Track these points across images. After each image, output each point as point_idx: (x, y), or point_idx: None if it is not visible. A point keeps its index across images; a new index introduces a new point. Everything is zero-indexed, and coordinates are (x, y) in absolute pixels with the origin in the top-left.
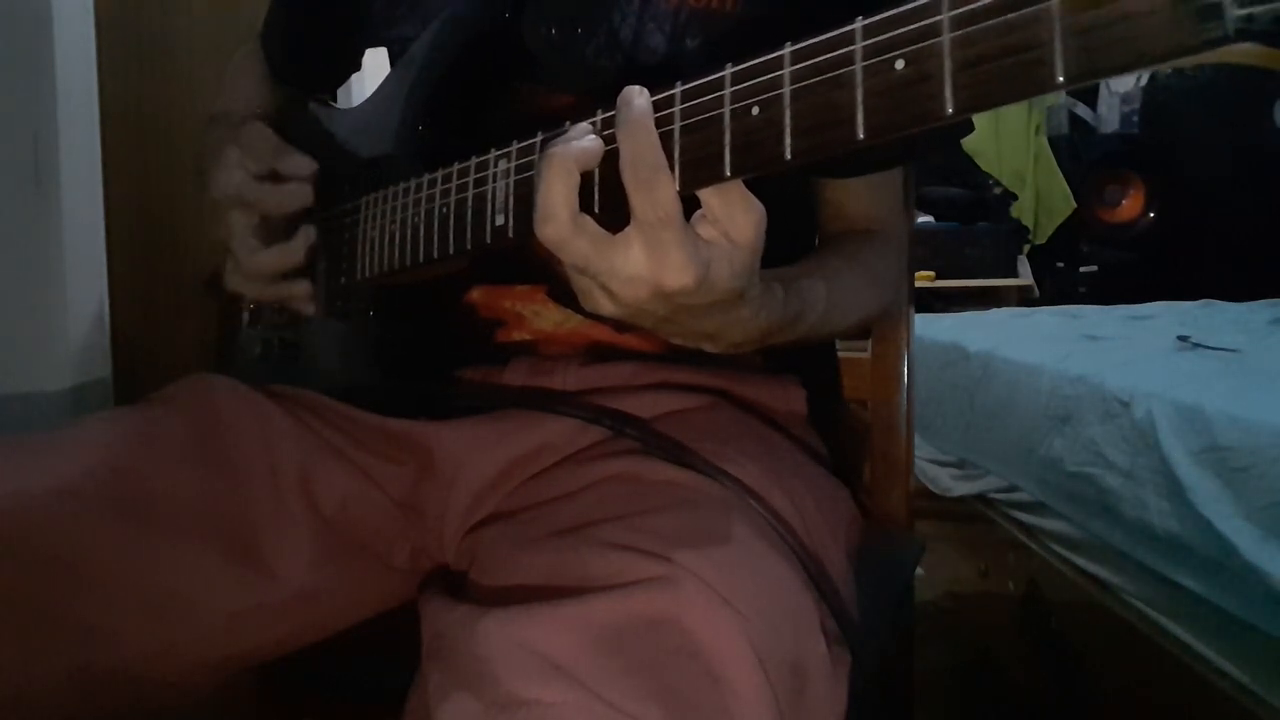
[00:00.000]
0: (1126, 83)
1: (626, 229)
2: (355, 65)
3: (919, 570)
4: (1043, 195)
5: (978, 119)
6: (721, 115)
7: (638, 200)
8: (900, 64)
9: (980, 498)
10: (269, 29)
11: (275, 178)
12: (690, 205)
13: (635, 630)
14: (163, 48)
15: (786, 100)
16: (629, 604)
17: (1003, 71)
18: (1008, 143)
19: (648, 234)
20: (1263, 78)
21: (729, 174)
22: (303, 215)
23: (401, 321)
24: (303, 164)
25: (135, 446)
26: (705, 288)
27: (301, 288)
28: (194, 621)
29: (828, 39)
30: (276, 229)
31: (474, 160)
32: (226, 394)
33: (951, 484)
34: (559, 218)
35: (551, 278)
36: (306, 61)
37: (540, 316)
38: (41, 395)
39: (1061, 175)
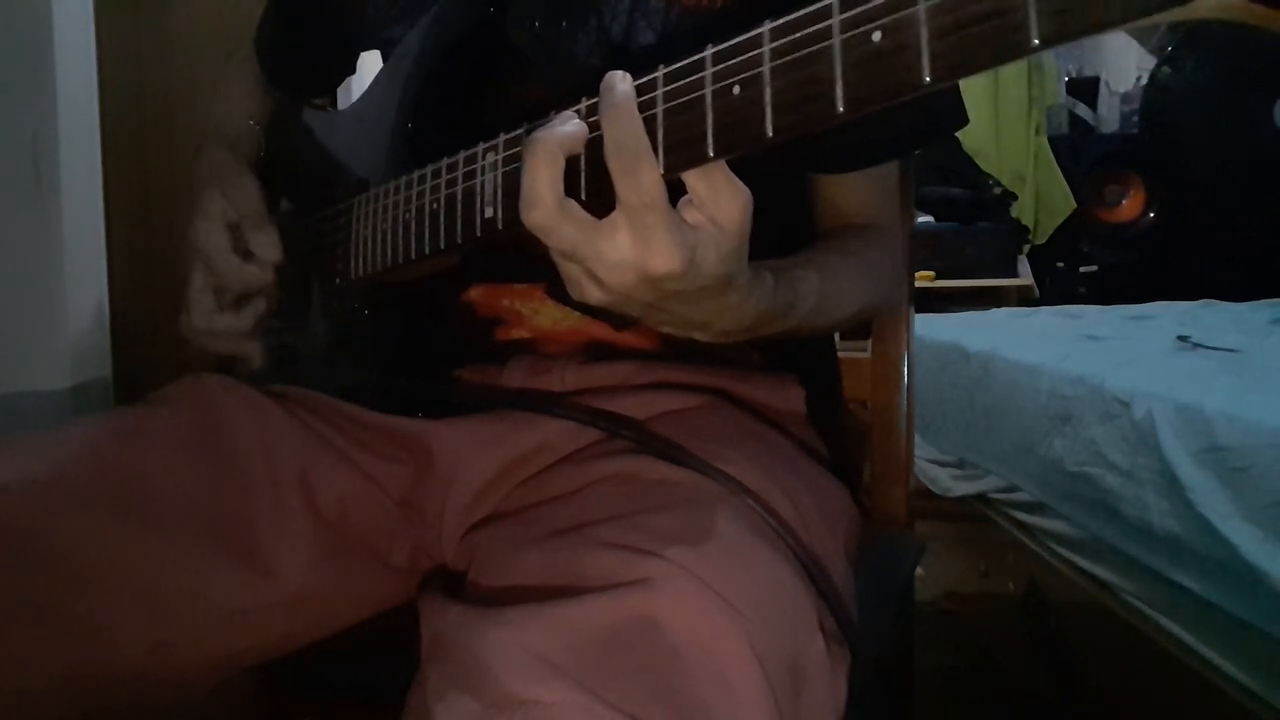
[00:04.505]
0: (1126, 82)
1: (612, 214)
2: (349, 69)
3: (919, 570)
4: (1043, 195)
5: (977, 119)
6: (703, 96)
7: (622, 185)
8: (878, 35)
9: (980, 498)
10: (262, 34)
11: (246, 252)
12: (678, 192)
13: (634, 630)
14: (163, 48)
15: (767, 78)
16: (628, 604)
17: (978, 37)
18: (1008, 143)
19: (633, 219)
20: (1263, 77)
21: (712, 155)
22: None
23: (400, 321)
24: (271, 247)
25: (134, 445)
26: (692, 273)
27: (249, 349)
28: (192, 620)
29: (805, 15)
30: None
31: (462, 154)
32: (226, 393)
33: (951, 484)
34: (544, 202)
35: (549, 276)
36: (300, 67)
37: (539, 314)
38: (41, 395)
39: (1061, 175)
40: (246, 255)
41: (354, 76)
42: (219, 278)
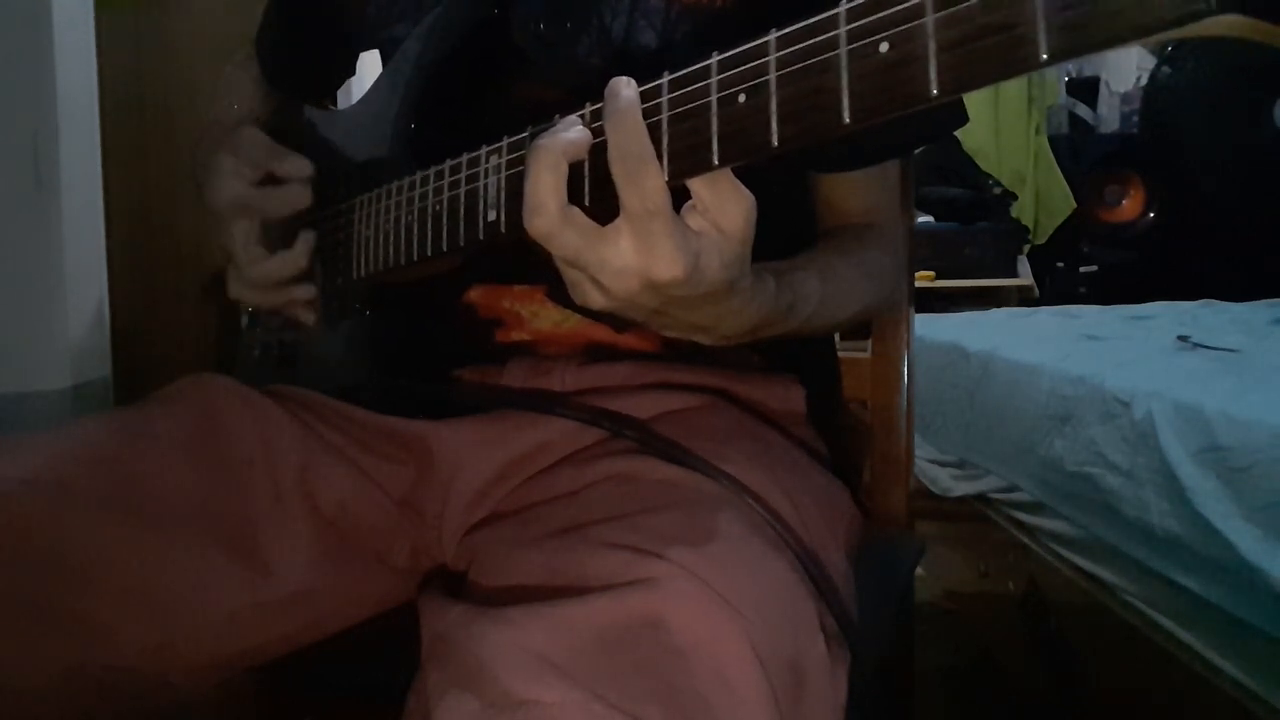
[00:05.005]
0: (1126, 82)
1: (615, 221)
2: (350, 71)
3: (919, 570)
4: (1043, 195)
5: (977, 119)
6: (709, 104)
7: (626, 192)
8: (885, 46)
9: (980, 498)
10: (263, 36)
11: (273, 180)
12: (682, 198)
13: (634, 630)
14: (163, 48)
15: (773, 86)
16: (628, 604)
17: (986, 51)
18: (1008, 143)
19: (637, 225)
20: (1263, 77)
21: (717, 163)
22: (302, 219)
23: (400, 321)
24: (299, 164)
25: (134, 445)
26: (695, 279)
27: (305, 292)
28: (192, 620)
29: (812, 24)
30: (278, 235)
31: (465, 157)
32: (226, 394)
33: (951, 484)
34: (547, 209)
35: (550, 278)
36: (300, 68)
37: (539, 316)
38: (41, 395)
39: (1061, 175)
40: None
41: (354, 77)
42: (260, 212)
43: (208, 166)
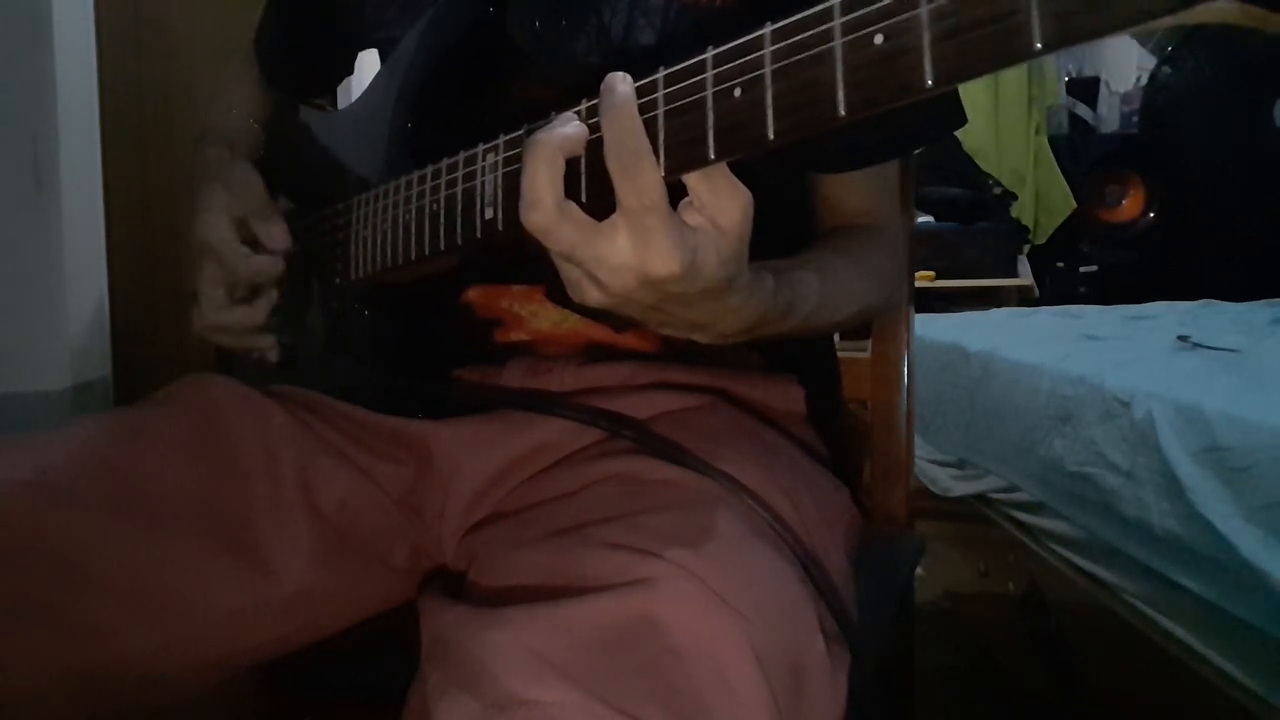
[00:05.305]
0: (1127, 82)
1: (612, 216)
2: (348, 69)
3: (919, 570)
4: (1043, 195)
5: (977, 119)
6: (704, 98)
7: (622, 186)
8: (879, 38)
9: (980, 498)
10: (261, 36)
11: (253, 242)
12: (679, 195)
13: (633, 630)
14: (163, 47)
15: (768, 80)
16: (627, 604)
17: (981, 41)
18: (1008, 143)
19: (633, 221)
20: (1263, 77)
21: (713, 157)
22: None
23: (400, 322)
24: (279, 236)
25: (134, 445)
26: (692, 275)
27: (263, 342)
28: (192, 620)
29: (807, 17)
30: (242, 289)
31: (462, 155)
32: (226, 394)
33: (951, 484)
34: (544, 204)
35: (549, 277)
36: (299, 67)
37: (538, 317)
38: (41, 395)
39: (1061, 175)
40: (254, 246)
41: (353, 76)
42: (229, 270)
43: (199, 191)
